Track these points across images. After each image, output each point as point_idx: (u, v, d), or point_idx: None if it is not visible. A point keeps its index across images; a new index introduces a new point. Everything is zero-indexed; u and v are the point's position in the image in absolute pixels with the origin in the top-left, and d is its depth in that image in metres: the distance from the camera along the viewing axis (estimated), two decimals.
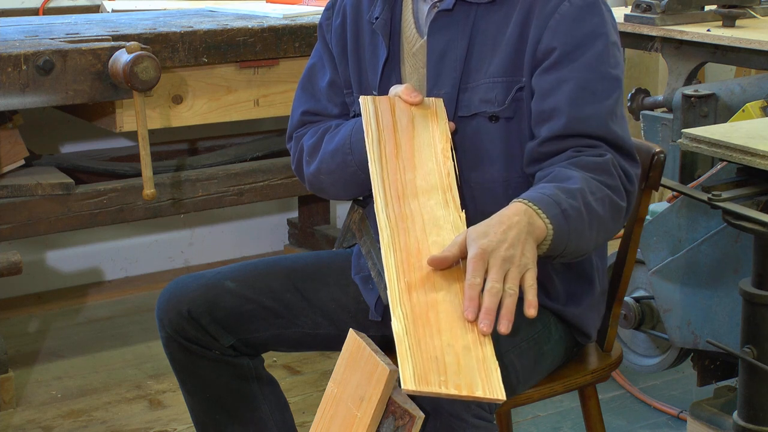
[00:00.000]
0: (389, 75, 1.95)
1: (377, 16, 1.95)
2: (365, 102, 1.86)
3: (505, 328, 1.50)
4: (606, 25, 1.86)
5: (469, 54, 1.87)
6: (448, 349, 1.52)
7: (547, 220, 1.62)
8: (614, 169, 1.76)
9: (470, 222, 1.73)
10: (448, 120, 1.86)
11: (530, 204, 1.62)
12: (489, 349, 1.52)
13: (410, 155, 1.79)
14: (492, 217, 1.60)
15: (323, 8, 2.09)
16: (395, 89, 1.88)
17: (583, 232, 1.67)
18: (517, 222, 1.59)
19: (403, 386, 1.48)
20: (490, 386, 1.48)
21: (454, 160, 1.79)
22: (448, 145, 1.81)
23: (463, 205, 1.74)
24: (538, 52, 1.83)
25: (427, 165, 1.78)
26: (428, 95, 1.89)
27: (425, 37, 1.91)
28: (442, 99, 1.87)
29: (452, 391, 1.48)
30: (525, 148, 1.86)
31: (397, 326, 1.54)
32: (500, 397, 1.47)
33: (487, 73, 1.86)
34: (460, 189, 1.78)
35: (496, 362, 1.51)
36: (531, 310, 1.53)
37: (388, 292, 1.59)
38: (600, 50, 1.83)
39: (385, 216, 1.70)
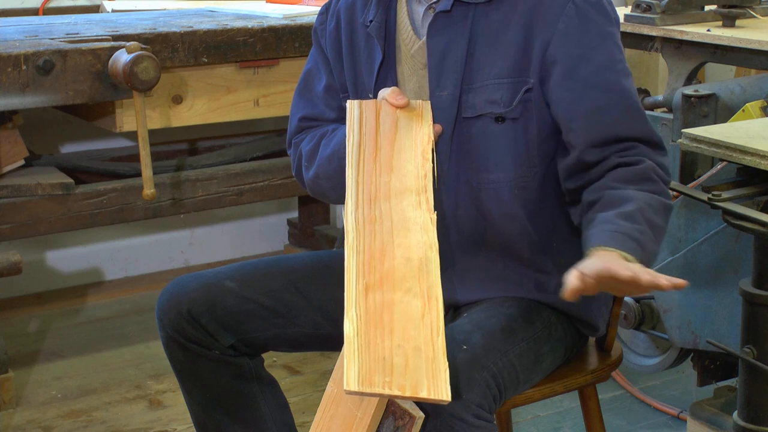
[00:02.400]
0: (385, 77, 1.95)
1: (371, 19, 1.95)
2: (351, 106, 1.88)
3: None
4: (612, 23, 1.88)
5: (470, 54, 1.87)
6: (398, 350, 1.53)
7: (631, 258, 1.67)
8: (654, 173, 1.81)
9: (441, 223, 1.74)
10: (450, 122, 1.87)
11: (609, 249, 1.67)
12: (440, 351, 1.53)
13: (389, 158, 1.80)
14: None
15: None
16: (382, 93, 1.88)
17: (654, 248, 1.75)
18: (615, 255, 1.65)
19: (345, 387, 1.49)
20: (436, 387, 1.49)
21: (434, 162, 1.80)
22: (429, 146, 1.81)
23: (437, 207, 1.75)
24: (548, 55, 1.83)
25: (405, 167, 1.79)
26: (431, 96, 1.90)
27: (423, 39, 1.91)
28: (429, 102, 1.88)
29: (396, 392, 1.49)
30: (531, 150, 1.87)
31: (348, 328, 1.55)
32: (445, 398, 1.49)
33: (491, 74, 1.86)
34: (437, 191, 1.79)
35: (446, 363, 1.52)
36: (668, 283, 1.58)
37: (345, 294, 1.60)
38: (612, 49, 1.86)
39: (353, 218, 1.71)
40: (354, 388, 1.49)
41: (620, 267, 1.58)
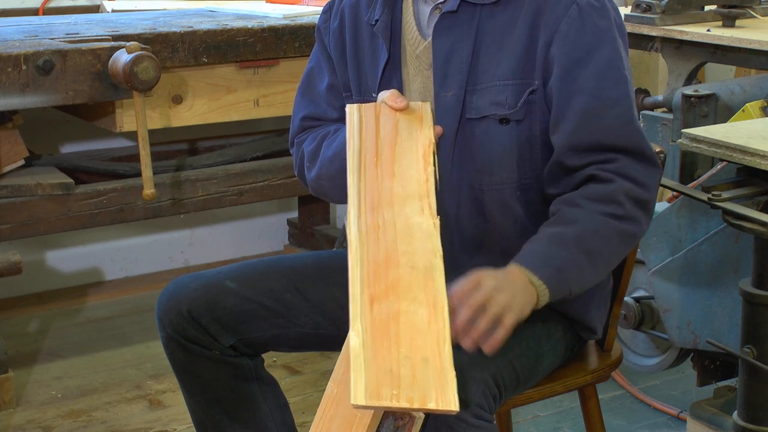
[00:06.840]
0: (390, 77, 1.94)
1: (377, 18, 1.94)
2: (350, 111, 1.85)
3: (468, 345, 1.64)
4: (614, 29, 1.86)
5: (475, 55, 1.87)
6: (405, 361, 1.52)
7: (539, 282, 1.72)
8: (624, 196, 1.79)
9: (442, 224, 1.73)
10: (454, 123, 1.86)
11: (524, 269, 1.73)
12: (447, 360, 1.52)
13: (390, 163, 1.78)
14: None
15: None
16: (382, 96, 1.87)
17: (582, 275, 1.78)
18: (518, 276, 1.72)
19: (352, 401, 1.48)
20: (444, 398, 1.49)
21: (435, 166, 1.78)
22: (431, 149, 1.79)
23: (439, 208, 1.74)
24: (549, 56, 1.83)
25: (407, 172, 1.77)
26: (435, 97, 1.89)
27: (428, 39, 1.91)
28: (429, 103, 1.87)
29: (404, 404, 1.48)
30: (535, 152, 1.87)
31: (354, 341, 1.54)
32: (454, 409, 1.48)
33: (495, 76, 1.86)
34: (440, 194, 1.78)
35: (453, 372, 1.52)
36: (488, 348, 1.64)
37: (350, 306, 1.59)
38: (610, 55, 1.84)
39: (356, 228, 1.70)
40: (362, 402, 1.48)
41: (460, 294, 1.64)
